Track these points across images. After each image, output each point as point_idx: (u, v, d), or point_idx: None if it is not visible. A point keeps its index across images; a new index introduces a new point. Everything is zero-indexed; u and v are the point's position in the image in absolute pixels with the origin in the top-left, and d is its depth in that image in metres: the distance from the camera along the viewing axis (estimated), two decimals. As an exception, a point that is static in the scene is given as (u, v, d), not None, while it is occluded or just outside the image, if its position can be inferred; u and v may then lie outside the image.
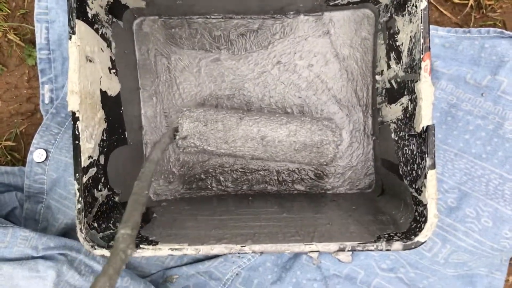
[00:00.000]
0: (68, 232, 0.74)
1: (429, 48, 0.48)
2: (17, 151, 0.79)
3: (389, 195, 0.62)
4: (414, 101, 0.51)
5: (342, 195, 0.67)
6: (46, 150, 0.73)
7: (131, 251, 0.43)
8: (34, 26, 0.75)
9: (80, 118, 0.50)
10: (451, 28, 0.73)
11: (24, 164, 0.77)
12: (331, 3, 0.64)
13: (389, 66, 0.59)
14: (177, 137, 0.63)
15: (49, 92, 0.76)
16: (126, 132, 0.62)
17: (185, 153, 0.67)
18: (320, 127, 0.63)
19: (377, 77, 0.64)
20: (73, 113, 0.50)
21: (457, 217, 0.70)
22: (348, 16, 0.66)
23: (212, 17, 0.66)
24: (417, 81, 0.50)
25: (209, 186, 0.68)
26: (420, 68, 0.49)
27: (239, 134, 0.62)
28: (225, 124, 0.62)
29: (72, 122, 0.50)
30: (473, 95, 0.71)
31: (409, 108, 0.52)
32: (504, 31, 0.70)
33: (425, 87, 0.48)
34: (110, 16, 0.59)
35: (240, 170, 0.68)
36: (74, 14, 0.50)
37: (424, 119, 0.49)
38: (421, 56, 0.49)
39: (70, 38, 0.50)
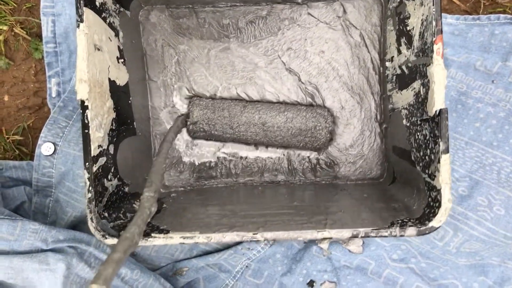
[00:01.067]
0: (77, 225, 0.74)
1: (441, 30, 0.48)
2: (24, 145, 0.78)
3: (400, 183, 0.61)
4: (426, 85, 0.50)
5: (353, 184, 0.66)
6: (54, 144, 0.73)
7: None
8: (40, 20, 0.75)
9: (90, 107, 0.50)
10: (460, 16, 0.72)
11: (32, 159, 0.76)
12: (339, -11, 0.63)
13: (399, 52, 0.59)
14: (188, 122, 0.68)
15: (56, 86, 0.75)
16: (134, 123, 0.62)
17: (195, 137, 0.69)
18: (313, 114, 0.67)
19: (388, 63, 0.64)
20: (82, 102, 0.50)
21: (468, 205, 0.70)
22: (358, 3, 0.65)
23: (220, 5, 0.66)
24: (429, 64, 0.49)
25: (218, 175, 0.68)
26: (432, 51, 0.48)
27: (243, 121, 0.67)
28: (231, 112, 0.67)
29: (81, 111, 0.50)
30: (483, 82, 0.70)
31: (421, 93, 0.52)
32: (514, 17, 0.69)
33: (437, 70, 0.48)
34: (118, 5, 0.59)
35: (251, 157, 0.68)
36: (82, 1, 0.50)
37: (437, 102, 0.48)
38: (433, 39, 0.48)
39: (78, 26, 0.50)
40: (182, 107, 0.68)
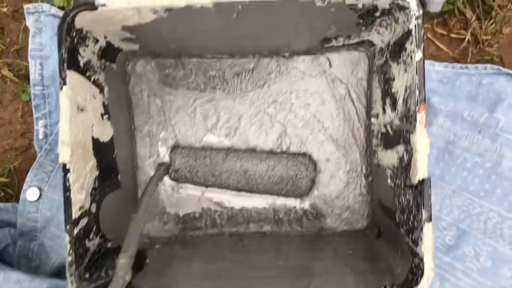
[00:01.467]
0: (61, 271, 0.73)
1: (424, 100, 0.48)
2: (10, 187, 0.78)
3: (386, 239, 0.61)
4: (410, 152, 0.50)
5: (338, 237, 0.66)
6: (39, 188, 0.72)
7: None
8: (28, 62, 0.74)
9: (71, 170, 0.50)
10: (448, 64, 0.73)
11: (17, 200, 0.76)
12: (326, 45, 0.63)
13: (384, 111, 0.59)
14: (170, 170, 0.68)
15: (43, 128, 0.75)
16: (119, 176, 0.62)
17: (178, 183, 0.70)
18: (295, 162, 0.68)
19: (373, 119, 0.64)
20: (64, 165, 0.50)
21: (455, 255, 0.69)
22: (344, 57, 0.65)
23: (207, 57, 0.66)
24: (412, 132, 0.49)
25: (203, 226, 0.68)
26: (415, 120, 0.48)
27: (224, 168, 0.68)
28: (212, 160, 0.68)
29: (62, 174, 0.49)
30: (470, 132, 0.70)
31: (405, 158, 0.52)
32: (501, 68, 0.69)
33: (420, 140, 0.48)
34: (103, 60, 0.59)
35: (236, 208, 0.68)
36: (65, 64, 0.50)
37: (420, 171, 0.48)
38: (417, 108, 0.48)
39: (61, 88, 0.50)
40: (166, 156, 0.68)
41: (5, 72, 0.76)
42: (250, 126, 0.67)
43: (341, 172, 0.66)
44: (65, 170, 0.50)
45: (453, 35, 0.76)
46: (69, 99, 0.50)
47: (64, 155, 0.49)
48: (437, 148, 0.71)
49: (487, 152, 0.69)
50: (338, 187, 0.66)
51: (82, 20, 0.51)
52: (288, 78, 0.66)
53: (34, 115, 0.75)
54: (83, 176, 0.52)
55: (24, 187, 0.72)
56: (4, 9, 0.77)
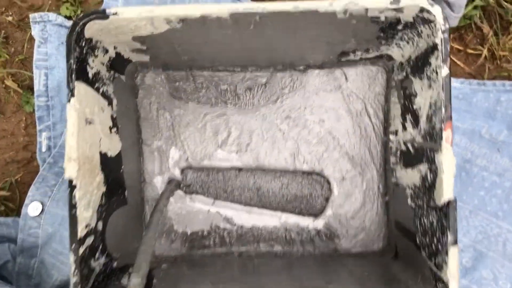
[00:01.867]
0: (63, 290, 0.70)
1: (451, 117, 0.45)
2: (11, 201, 0.75)
3: (404, 262, 0.58)
4: (434, 171, 0.48)
5: (353, 258, 0.63)
6: (41, 203, 0.70)
7: None
8: (32, 73, 0.72)
9: (78, 186, 0.47)
10: (464, 80, 0.71)
11: (18, 215, 0.73)
12: (343, 59, 0.61)
13: (404, 128, 0.56)
14: (181, 185, 0.67)
15: (47, 140, 0.73)
16: (126, 192, 0.59)
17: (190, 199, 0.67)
18: (309, 181, 0.66)
19: (391, 136, 0.61)
20: (70, 181, 0.47)
21: (473, 278, 0.67)
22: (361, 71, 0.63)
23: (219, 70, 0.64)
24: (437, 151, 0.47)
25: (212, 244, 0.65)
26: (441, 138, 0.46)
27: (237, 185, 0.67)
28: (225, 175, 0.67)
29: (68, 191, 0.47)
30: (488, 150, 0.68)
31: (429, 178, 0.49)
32: (520, 85, 0.67)
33: (446, 159, 0.45)
34: (112, 71, 0.56)
35: (246, 226, 0.65)
36: (73, 75, 0.48)
37: (446, 193, 0.45)
38: (443, 126, 0.46)
39: (69, 100, 0.48)
40: (176, 170, 0.65)
41: (8, 82, 0.74)
42: (262, 143, 0.64)
43: (357, 191, 0.64)
44: (71, 187, 0.47)
45: (469, 51, 0.74)
46: (76, 112, 0.48)
47: (70, 170, 0.47)
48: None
49: (506, 172, 0.67)
50: (354, 206, 0.64)
51: (92, 29, 0.49)
52: (302, 93, 0.64)
53: (38, 127, 0.72)
54: (90, 193, 0.50)
55: (26, 201, 0.70)
56: (10, 18, 0.75)
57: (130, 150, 0.61)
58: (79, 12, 0.74)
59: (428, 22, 0.47)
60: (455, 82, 0.71)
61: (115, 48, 0.55)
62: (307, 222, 0.64)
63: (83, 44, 0.49)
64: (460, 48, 0.74)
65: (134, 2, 0.72)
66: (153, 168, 0.65)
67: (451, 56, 0.74)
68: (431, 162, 0.48)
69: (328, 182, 0.64)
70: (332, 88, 0.63)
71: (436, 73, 0.47)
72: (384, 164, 0.63)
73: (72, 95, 0.48)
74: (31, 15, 0.72)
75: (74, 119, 0.47)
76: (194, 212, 0.65)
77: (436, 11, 0.46)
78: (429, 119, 0.49)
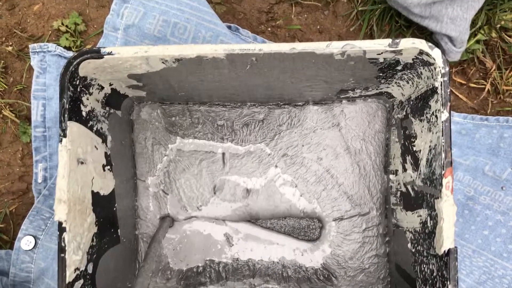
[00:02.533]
0: (55, 326, 0.69)
1: (451, 163, 0.44)
2: (5, 233, 0.74)
3: (404, 306, 0.56)
4: (434, 218, 0.46)
5: (352, 300, 0.61)
6: (35, 237, 0.68)
7: None
8: (30, 103, 0.72)
9: (67, 229, 0.46)
10: (467, 114, 0.69)
11: (12, 246, 0.72)
12: (342, 96, 0.60)
13: (404, 169, 0.55)
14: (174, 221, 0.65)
15: (43, 171, 0.72)
16: (119, 230, 0.58)
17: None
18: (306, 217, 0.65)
19: (391, 176, 0.60)
20: (60, 223, 0.46)
21: (476, 321, 0.65)
22: (360, 108, 0.62)
23: (215, 104, 0.63)
24: (437, 197, 0.45)
25: (208, 281, 0.63)
26: (441, 184, 0.44)
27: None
28: None
29: (58, 233, 0.46)
30: (492, 188, 0.66)
31: (428, 225, 0.48)
32: (524, 121, 0.66)
33: (446, 207, 0.44)
34: (107, 108, 0.56)
35: (242, 259, 0.63)
36: (66, 115, 0.47)
37: (446, 241, 0.44)
38: (442, 172, 0.44)
39: (61, 141, 0.47)
40: (172, 210, 0.64)
41: (6, 112, 0.74)
42: (260, 196, 0.63)
43: (356, 231, 0.62)
44: (61, 229, 0.46)
45: (472, 85, 0.72)
46: (68, 153, 0.47)
47: (60, 213, 0.46)
48: (456, 204, 0.67)
49: (511, 211, 0.65)
50: (353, 247, 0.62)
51: (87, 68, 0.48)
52: (300, 130, 0.63)
53: (34, 158, 0.72)
54: (80, 235, 0.49)
55: (19, 235, 0.69)
56: (9, 48, 0.75)
57: (124, 186, 0.60)
58: (78, 43, 0.74)
59: (428, 64, 0.46)
60: (458, 117, 0.69)
61: (110, 84, 0.54)
62: (304, 261, 0.63)
63: (77, 83, 0.49)
64: (463, 82, 0.73)
65: (133, 33, 0.71)
66: (148, 204, 0.64)
67: (454, 90, 0.73)
68: (431, 208, 0.47)
69: (323, 223, 0.63)
70: (330, 125, 0.62)
71: (436, 117, 0.45)
72: (385, 204, 0.62)
73: (64, 135, 0.47)
74: (31, 46, 0.72)
75: (65, 160, 0.46)
76: (190, 245, 0.63)
77: (436, 54, 0.45)
78: (429, 163, 0.47)
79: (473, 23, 0.70)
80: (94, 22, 0.75)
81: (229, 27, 0.72)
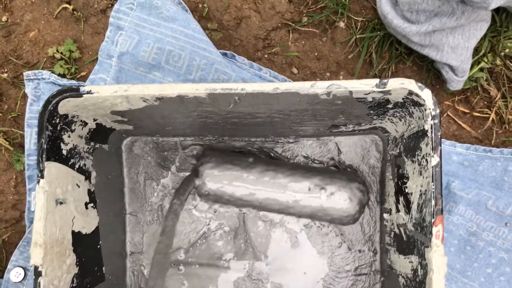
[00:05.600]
0: None
1: (442, 211, 0.42)
2: (-2, 261, 0.73)
3: None
4: (424, 268, 0.44)
5: None
6: (24, 268, 0.67)
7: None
8: (24, 131, 0.71)
9: (43, 273, 0.45)
10: (470, 145, 0.67)
11: (3, 276, 0.71)
12: (335, 131, 0.58)
13: (397, 209, 0.53)
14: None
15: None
16: (103, 268, 0.56)
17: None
18: None
19: (385, 215, 0.57)
20: (36, 268, 0.45)
21: None
22: (354, 142, 0.60)
23: (207, 139, 0.61)
24: (428, 246, 0.43)
25: None
26: (431, 233, 0.42)
27: None
28: None
29: (33, 278, 0.44)
30: (495, 224, 0.63)
31: (419, 273, 0.45)
32: (530, 154, 0.63)
33: (436, 258, 0.41)
34: (92, 143, 0.54)
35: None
36: (44, 156, 0.46)
37: (436, 294, 0.41)
38: (432, 220, 0.42)
39: (38, 182, 0.45)
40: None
41: (0, 140, 0.73)
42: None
43: (348, 268, 0.60)
44: (37, 274, 0.45)
45: (476, 114, 0.70)
46: (46, 195, 0.45)
47: (36, 257, 0.45)
48: (458, 239, 0.64)
49: (515, 249, 0.62)
50: (345, 284, 0.60)
51: (67, 106, 0.47)
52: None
53: (27, 186, 0.71)
54: (58, 278, 0.47)
55: (9, 266, 0.68)
56: (4, 75, 0.74)
57: (111, 222, 0.58)
58: (73, 70, 0.73)
59: (418, 105, 0.44)
60: (460, 148, 0.67)
61: (94, 120, 0.53)
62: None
63: (57, 121, 0.48)
64: (466, 110, 0.70)
65: (128, 61, 0.70)
66: (139, 239, 0.62)
67: (456, 119, 0.70)
68: (422, 256, 0.44)
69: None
70: (324, 159, 0.60)
71: (426, 161, 0.43)
72: (380, 243, 0.59)
73: (42, 176, 0.45)
74: (25, 73, 0.71)
75: (42, 202, 0.45)
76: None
77: (426, 95, 0.42)
78: (420, 208, 0.45)
79: (476, 50, 0.67)
80: (89, 49, 0.74)
81: (225, 54, 0.70)
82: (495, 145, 0.68)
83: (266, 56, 0.72)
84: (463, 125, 0.70)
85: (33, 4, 0.75)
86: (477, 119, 0.70)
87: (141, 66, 0.69)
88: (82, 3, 0.74)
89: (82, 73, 0.74)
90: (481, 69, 0.69)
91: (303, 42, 0.72)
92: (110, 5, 0.73)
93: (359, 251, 0.60)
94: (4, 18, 0.75)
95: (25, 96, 0.74)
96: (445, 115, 0.70)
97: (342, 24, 0.71)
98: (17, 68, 0.75)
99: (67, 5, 0.74)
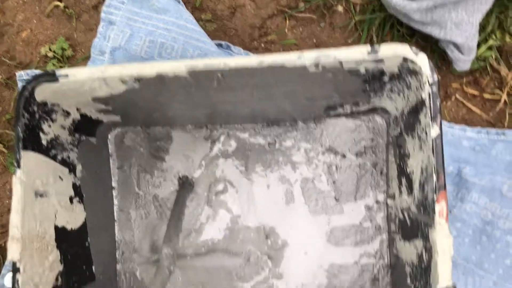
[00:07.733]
0: None
1: (445, 186, 0.38)
2: (-5, 267, 0.71)
3: None
4: (429, 251, 0.40)
5: None
6: (19, 273, 0.65)
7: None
8: (17, 133, 0.69)
9: (21, 269, 0.42)
10: (481, 129, 0.63)
11: None
12: (332, 113, 0.54)
13: (400, 192, 0.49)
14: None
15: (32, 202, 0.69)
16: (93, 266, 0.53)
17: None
18: None
19: (389, 200, 0.53)
20: (14, 263, 0.42)
21: None
22: (350, 125, 0.56)
23: (199, 126, 0.58)
24: (431, 227, 0.39)
25: None
26: (434, 211, 0.38)
27: None
28: None
29: (11, 274, 0.42)
30: (512, 211, 0.59)
31: (424, 258, 0.41)
32: (546, 134, 0.59)
33: (441, 238, 0.37)
34: (77, 135, 0.52)
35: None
36: (20, 144, 0.43)
37: (442, 278, 0.37)
38: (435, 197, 0.38)
39: (15, 172, 0.43)
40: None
41: (-6, 143, 0.72)
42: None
43: (353, 260, 0.56)
44: (14, 270, 0.42)
45: (486, 96, 0.66)
46: (23, 185, 0.43)
47: (13, 252, 0.42)
48: (473, 229, 0.60)
49: (535, 236, 0.58)
50: (351, 275, 0.56)
51: (45, 93, 0.45)
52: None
53: (23, 189, 0.69)
54: (39, 275, 0.45)
55: (3, 271, 0.65)
56: (-2, 77, 0.73)
57: (100, 219, 0.56)
58: (66, 67, 0.71)
59: (414, 73, 0.40)
60: (471, 132, 0.63)
61: (78, 109, 0.51)
62: None
63: (35, 110, 0.45)
64: (476, 93, 0.66)
65: (120, 56, 0.68)
66: (131, 238, 0.59)
67: (466, 102, 0.66)
68: (426, 239, 0.40)
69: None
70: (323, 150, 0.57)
71: (426, 133, 0.39)
72: (386, 231, 0.55)
73: (18, 166, 0.43)
74: (18, 73, 0.70)
75: (19, 194, 0.43)
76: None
77: (422, 61, 0.39)
78: (422, 187, 0.41)
79: (483, 28, 0.64)
80: (82, 46, 0.73)
81: (220, 45, 0.68)
82: (508, 128, 0.64)
83: (262, 45, 0.70)
84: (473, 108, 0.66)
85: (25, 3, 0.74)
86: (488, 102, 0.66)
87: (134, 60, 0.67)
88: (74, 0, 0.72)
89: (75, 71, 0.72)
90: (490, 48, 0.65)
91: (300, 29, 0.69)
92: (101, 1, 0.72)
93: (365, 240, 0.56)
94: (-4, 19, 0.74)
95: (19, 98, 0.73)
96: (453, 98, 0.66)
97: (340, 8, 0.68)
98: (11, 69, 0.74)
99: (59, 3, 0.72)
